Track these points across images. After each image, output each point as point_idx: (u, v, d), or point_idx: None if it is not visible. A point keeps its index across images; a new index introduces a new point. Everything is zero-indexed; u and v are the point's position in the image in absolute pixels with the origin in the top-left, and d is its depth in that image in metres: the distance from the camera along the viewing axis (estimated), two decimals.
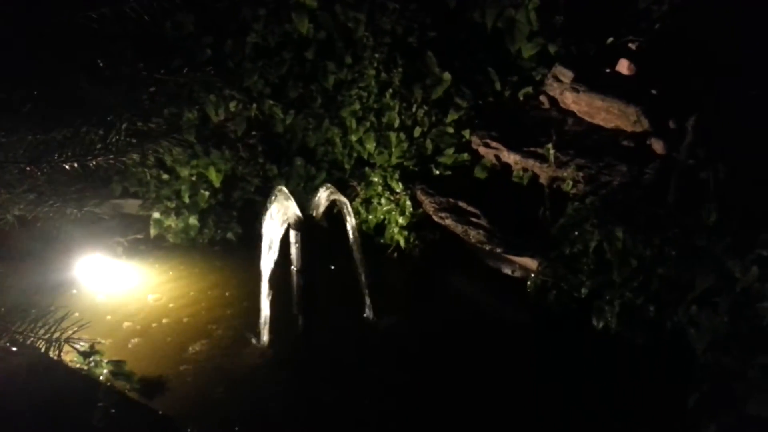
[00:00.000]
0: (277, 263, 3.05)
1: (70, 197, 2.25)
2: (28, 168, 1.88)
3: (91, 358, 2.81)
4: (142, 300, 3.54)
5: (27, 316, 1.93)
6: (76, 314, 2.11)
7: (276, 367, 3.08)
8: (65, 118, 1.98)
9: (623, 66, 3.94)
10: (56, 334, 1.92)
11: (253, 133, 4.22)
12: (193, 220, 4.00)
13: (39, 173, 1.92)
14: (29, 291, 2.62)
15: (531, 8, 3.99)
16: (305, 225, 2.99)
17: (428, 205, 3.83)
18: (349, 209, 3.11)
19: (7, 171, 1.91)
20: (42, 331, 1.91)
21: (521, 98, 4.18)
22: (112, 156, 1.96)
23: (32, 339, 1.91)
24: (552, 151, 3.68)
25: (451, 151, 4.03)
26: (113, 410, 2.50)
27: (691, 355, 2.64)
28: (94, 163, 1.93)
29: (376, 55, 4.10)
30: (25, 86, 2.09)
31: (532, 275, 3.39)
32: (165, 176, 4.06)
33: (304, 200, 3.17)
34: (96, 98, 2.23)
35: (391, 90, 4.10)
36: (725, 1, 3.86)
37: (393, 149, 4.07)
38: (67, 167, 1.90)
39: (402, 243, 3.85)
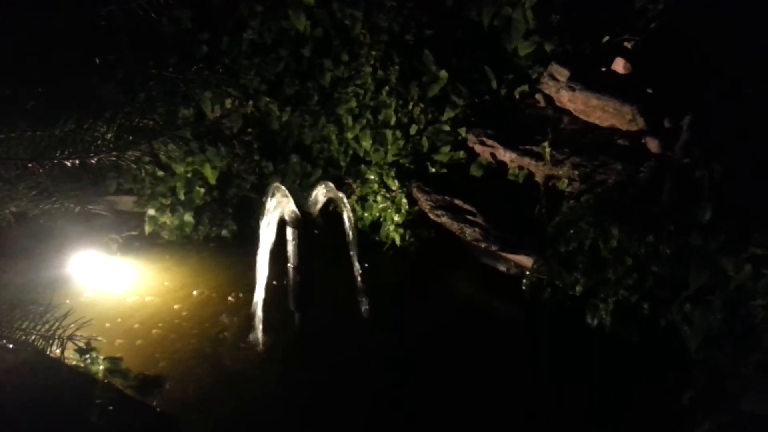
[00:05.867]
0: (273, 260, 3.05)
1: (71, 194, 2.25)
2: (30, 165, 1.88)
3: (87, 355, 2.80)
4: (136, 297, 3.53)
5: (28, 313, 1.92)
6: (77, 312, 2.10)
7: (272, 364, 3.09)
8: (66, 114, 1.97)
9: (619, 65, 3.96)
10: (58, 332, 1.91)
11: (249, 130, 4.21)
12: (188, 217, 3.99)
13: (41, 170, 1.92)
14: (26, 288, 2.61)
15: (527, 7, 4.02)
16: (301, 222, 2.99)
17: (424, 202, 3.84)
18: (347, 207, 3.11)
19: (9, 167, 1.90)
20: (44, 329, 1.90)
21: (517, 96, 4.20)
22: (114, 153, 1.96)
23: (34, 336, 1.90)
24: (548, 150, 3.69)
25: (447, 149, 4.03)
26: (110, 407, 2.50)
27: (685, 353, 2.67)
28: (95, 160, 1.93)
29: (373, 53, 4.11)
30: (29, 82, 2.07)
31: (527, 273, 3.40)
32: (160, 173, 4.04)
33: (299, 197, 3.17)
34: (96, 95, 2.22)
35: (387, 87, 4.11)
36: None
37: (389, 147, 4.08)
38: (68, 164, 1.90)
39: (397, 240, 3.85)
